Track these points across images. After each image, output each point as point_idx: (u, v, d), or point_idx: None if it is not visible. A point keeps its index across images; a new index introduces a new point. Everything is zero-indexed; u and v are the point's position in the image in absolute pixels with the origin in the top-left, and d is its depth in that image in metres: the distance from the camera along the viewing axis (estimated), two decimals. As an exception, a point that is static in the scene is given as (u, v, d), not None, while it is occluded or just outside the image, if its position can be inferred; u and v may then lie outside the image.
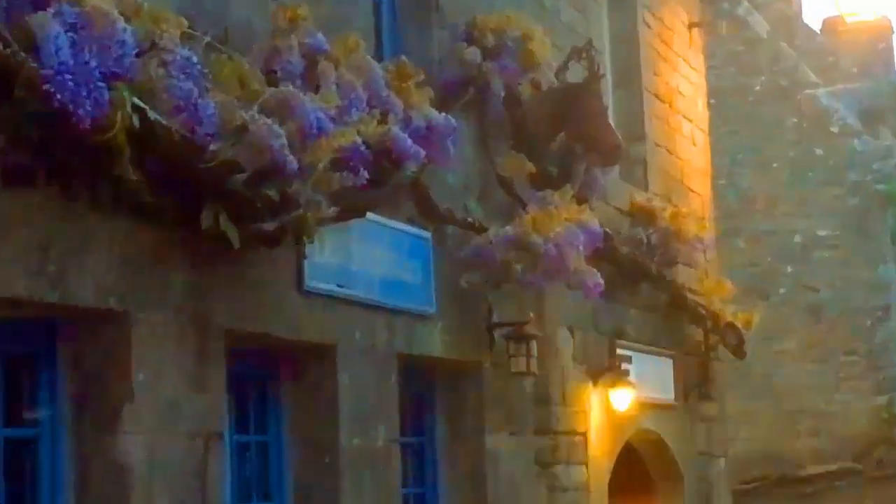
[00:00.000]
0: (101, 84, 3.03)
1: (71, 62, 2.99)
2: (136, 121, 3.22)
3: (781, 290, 13.34)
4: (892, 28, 15.29)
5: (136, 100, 3.23)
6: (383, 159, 3.81)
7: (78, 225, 3.38)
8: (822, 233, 13.66)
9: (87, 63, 3.04)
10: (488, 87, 5.43)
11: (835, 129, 13.98)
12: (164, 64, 3.37)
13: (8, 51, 2.93)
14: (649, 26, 7.98)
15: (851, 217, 13.60)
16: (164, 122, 3.32)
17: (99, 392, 3.55)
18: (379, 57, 4.54)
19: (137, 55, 3.30)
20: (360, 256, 4.66)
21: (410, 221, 5.01)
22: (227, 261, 3.80)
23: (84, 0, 3.15)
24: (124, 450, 3.46)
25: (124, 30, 3.15)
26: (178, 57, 3.40)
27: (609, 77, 7.23)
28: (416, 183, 4.51)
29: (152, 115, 3.30)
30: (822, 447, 13.10)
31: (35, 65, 2.94)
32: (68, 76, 2.95)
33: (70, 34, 3.04)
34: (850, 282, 13.40)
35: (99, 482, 3.49)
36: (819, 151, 13.89)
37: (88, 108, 3.00)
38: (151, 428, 3.54)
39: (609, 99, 7.04)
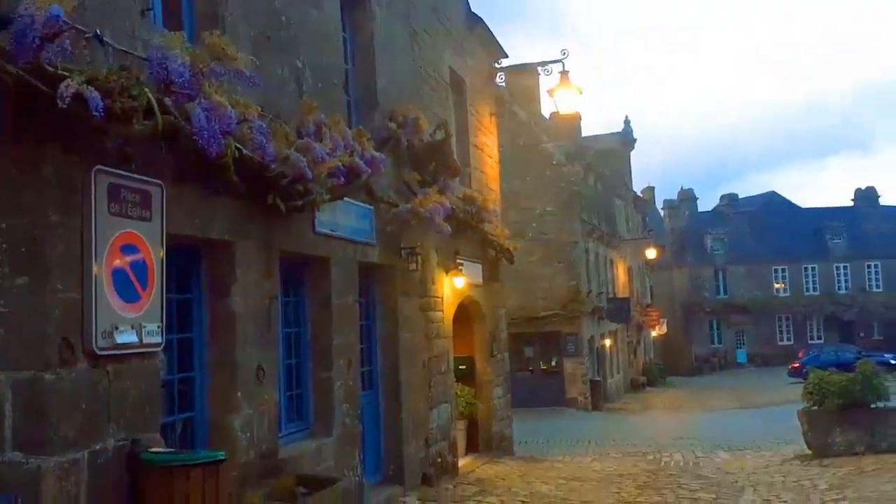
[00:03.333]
0: (220, 136, 5.53)
1: (206, 126, 5.44)
2: (236, 153, 5.86)
3: (529, 234, 27.22)
4: (580, 116, 32.01)
5: (236, 144, 5.86)
6: (351, 173, 7.03)
7: (212, 203, 6.03)
8: (548, 208, 29.55)
9: (214, 127, 5.49)
10: (399, 141, 9.36)
11: (555, 162, 30.32)
12: (250, 128, 5.99)
13: (177, 120, 5.33)
14: (472, 114, 12.96)
15: (560, 201, 29.75)
16: (250, 154, 6.01)
17: (220, 279, 6.31)
18: (349, 126, 7.91)
19: (237, 123, 5.78)
20: (341, 217, 8.13)
21: (364, 201, 8.63)
22: (280, 218, 6.71)
23: (212, 96, 5.59)
24: (233, 305, 6.33)
25: (231, 111, 5.61)
26: (256, 125, 6.03)
27: (454, 136, 12.18)
28: (366, 184, 7.98)
29: (245, 151, 5.99)
30: (548, 304, 28.98)
31: (189, 127, 5.30)
32: (205, 132, 5.41)
33: (206, 112, 5.44)
34: (558, 230, 29.42)
35: (222, 321, 6.30)
36: (547, 172, 30.09)
37: (214, 148, 5.48)
38: (246, 295, 6.40)
39: (454, 146, 12.03)
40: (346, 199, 7.95)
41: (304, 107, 7.04)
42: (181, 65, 5.15)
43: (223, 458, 5.05)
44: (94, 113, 4.39)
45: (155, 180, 5.39)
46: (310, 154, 6.49)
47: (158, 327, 5.39)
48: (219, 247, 6.34)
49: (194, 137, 5.27)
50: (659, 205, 64.73)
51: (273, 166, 6.35)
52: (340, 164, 6.70)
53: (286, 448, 7.14)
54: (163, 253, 5.43)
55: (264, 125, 6.30)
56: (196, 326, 6.34)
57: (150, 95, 4.94)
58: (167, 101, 5.14)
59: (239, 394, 6.31)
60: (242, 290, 6.45)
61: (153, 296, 5.36)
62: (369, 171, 7.26)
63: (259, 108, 6.37)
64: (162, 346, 5.45)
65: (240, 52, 5.74)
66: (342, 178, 6.76)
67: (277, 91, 7.17)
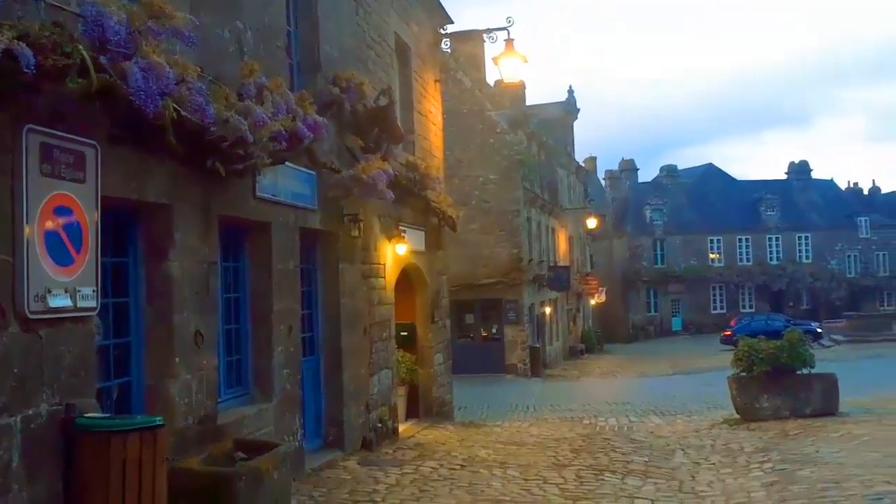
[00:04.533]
0: (157, 97, 5.31)
1: (143, 86, 5.21)
2: (174, 115, 5.66)
3: (472, 202, 28.08)
4: (524, 84, 33.10)
5: (174, 105, 5.67)
6: (293, 137, 6.91)
7: (150, 165, 5.91)
8: (491, 176, 29.98)
9: (151, 87, 5.27)
10: (342, 106, 9.22)
11: (499, 130, 30.46)
12: (189, 90, 5.80)
13: (113, 79, 5.08)
14: (416, 80, 12.83)
15: (503, 169, 30.11)
16: (189, 116, 5.80)
17: (158, 243, 6.19)
18: (292, 90, 7.79)
19: (176, 84, 5.65)
20: (282, 182, 8.05)
21: (306, 166, 8.54)
22: (220, 182, 6.61)
23: (150, 55, 5.40)
24: (171, 270, 6.22)
25: (169, 71, 5.47)
26: (195, 86, 5.86)
27: (398, 102, 12.19)
28: (309, 149, 7.89)
29: (183, 113, 5.78)
30: (489, 271, 29.46)
31: (125, 87, 5.08)
32: (141, 92, 5.16)
33: (142, 71, 5.22)
34: (500, 198, 29.73)
35: (159, 285, 6.21)
36: (491, 140, 30.33)
37: (151, 108, 5.26)
38: (184, 259, 6.31)
39: (398, 112, 12.03)
40: (287, 163, 7.87)
41: (245, 69, 6.92)
42: (117, 22, 5.03)
43: (160, 423, 5.01)
44: (26, 70, 4.27)
45: (89, 141, 5.26)
46: (251, 117, 6.39)
47: (93, 291, 5.30)
48: (156, 210, 6.24)
49: (131, 97, 5.15)
50: (601, 175, 65.50)
51: (213, 129, 6.22)
52: (282, 128, 6.63)
53: (225, 413, 7.12)
54: (97, 215, 5.33)
55: (204, 87, 6.18)
56: (132, 291, 6.25)
57: (84, 53, 4.78)
58: (102, 59, 4.98)
59: (177, 359, 6.26)
60: (180, 254, 6.38)
61: (87, 259, 5.26)
62: (311, 135, 7.19)
63: (199, 69, 6.22)
64: (97, 311, 5.38)
65: (178, 10, 5.60)
66: (284, 143, 6.69)
67: (218, 52, 7.02)
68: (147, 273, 6.27)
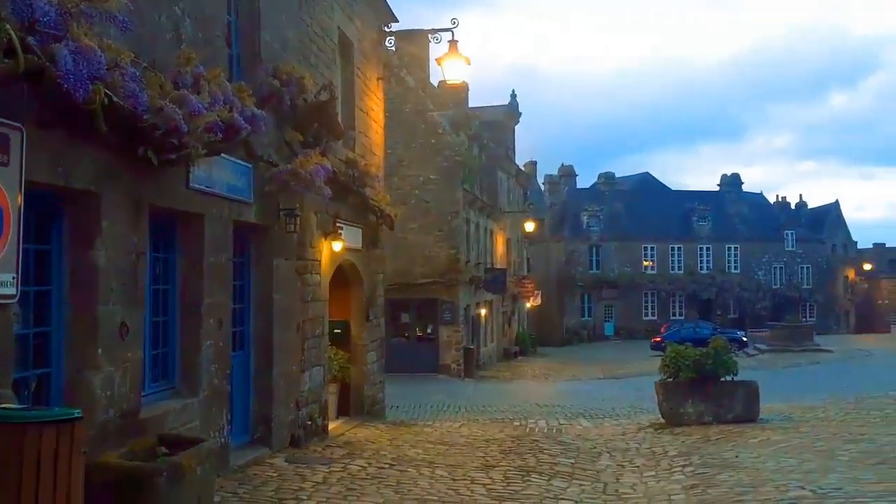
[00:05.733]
0: (87, 81, 5.16)
1: (73, 70, 5.06)
2: (106, 101, 5.52)
3: (412, 201, 28.67)
4: (467, 86, 32.65)
5: (106, 91, 5.51)
6: (230, 129, 6.79)
7: (78, 151, 5.73)
8: (432, 177, 30.25)
9: (82, 71, 5.12)
10: (282, 99, 9.11)
11: (440, 131, 30.63)
12: (122, 75, 5.67)
13: (42, 61, 4.92)
14: (359, 77, 12.82)
15: (443, 170, 30.36)
16: (122, 103, 5.65)
17: (84, 231, 6.01)
18: (230, 81, 7.65)
19: (108, 69, 5.50)
20: (217, 174, 7.92)
21: (242, 159, 8.42)
22: (152, 171, 6.46)
23: (81, 38, 5.27)
24: (96, 259, 6.06)
25: (101, 55, 5.32)
26: (129, 71, 5.73)
27: (340, 98, 12.10)
28: (246, 141, 7.78)
29: (115, 99, 5.62)
30: (426, 271, 29.71)
31: (54, 69, 4.93)
32: (71, 76, 5.02)
33: (73, 55, 5.07)
34: (440, 199, 30.04)
35: (84, 275, 6.03)
36: (432, 140, 30.50)
37: (81, 93, 5.12)
38: (111, 248, 6.14)
39: (339, 108, 11.96)
40: (223, 155, 7.74)
41: (181, 57, 6.78)
42: (47, 3, 4.91)
43: (79, 415, 4.87)
44: (-52, 48, 4.11)
45: (14, 123, 5.07)
46: (186, 107, 6.27)
47: (13, 278, 5.13)
48: (83, 197, 6.07)
49: (60, 81, 5.02)
50: (541, 179, 66.21)
51: (146, 117, 6.07)
52: (218, 119, 6.52)
53: (149, 407, 6.96)
54: (21, 200, 5.17)
55: (138, 73, 6.03)
56: (55, 279, 6.07)
57: (12, 33, 4.64)
58: (31, 40, 4.84)
59: (99, 350, 6.10)
60: (107, 243, 6.22)
61: (8, 245, 5.09)
62: (249, 128, 7.09)
63: (133, 55, 6.07)
64: (16, 298, 5.21)
65: (113, -6, 5.47)
66: (220, 134, 6.57)
67: (154, 39, 6.86)
68: (71, 262, 6.09)
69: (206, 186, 7.67)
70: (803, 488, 7.68)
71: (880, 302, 79.52)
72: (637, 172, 72.34)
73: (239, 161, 8.43)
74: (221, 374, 8.23)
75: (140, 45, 6.43)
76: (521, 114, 47.52)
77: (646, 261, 62.32)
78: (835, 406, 14.86)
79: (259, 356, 9.64)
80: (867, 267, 77.18)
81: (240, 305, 9.23)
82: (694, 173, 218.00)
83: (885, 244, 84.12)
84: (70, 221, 6.12)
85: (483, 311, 36.45)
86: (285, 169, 8.92)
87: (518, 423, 15.47)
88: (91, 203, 6.12)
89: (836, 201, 76.75)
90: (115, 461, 5.60)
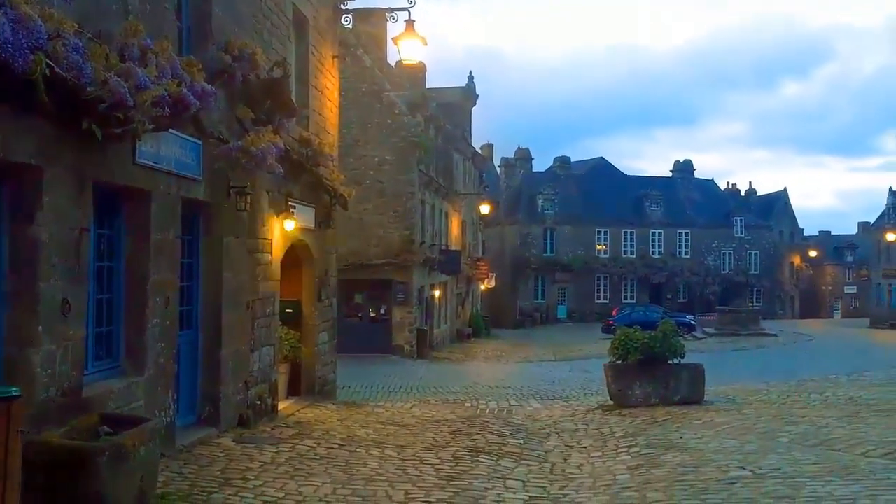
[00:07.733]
0: (27, 51, 5.07)
1: (11, 39, 4.96)
2: (47, 72, 5.33)
3: (367, 181, 28.43)
4: (424, 67, 32.01)
5: (47, 61, 5.33)
6: (178, 104, 6.65)
7: (18, 123, 5.57)
8: (387, 157, 30.13)
9: (21, 40, 5.03)
10: (234, 75, 8.98)
11: (396, 111, 30.32)
12: (64, 46, 5.52)
13: None
14: (313, 54, 12.67)
15: (399, 151, 30.22)
16: (64, 74, 5.50)
17: (24, 206, 5.85)
18: (180, 54, 7.52)
19: (49, 38, 5.36)
20: (165, 149, 7.76)
21: (192, 135, 8.26)
22: (96, 145, 6.31)
23: (20, 6, 5.16)
24: (38, 234, 5.91)
25: (41, 24, 5.21)
26: (72, 42, 5.58)
27: (293, 76, 12.01)
28: (195, 116, 7.62)
29: (57, 70, 5.44)
30: (380, 252, 29.66)
31: None
32: (9, 45, 4.93)
33: (11, 23, 4.97)
34: (395, 180, 30.08)
35: (24, 250, 5.87)
36: (389, 121, 30.21)
37: (20, 63, 5.04)
38: (52, 224, 5.99)
39: (293, 86, 11.86)
40: (172, 130, 7.57)
41: (128, 28, 6.58)
42: (-16, -32, 4.69)
43: (17, 394, 4.77)
44: None
45: (-51, 93, 4.91)
46: (132, 80, 6.11)
47: (-52, 253, 4.97)
48: (24, 171, 5.89)
49: (-4, 51, 4.89)
50: (497, 162, 66.35)
51: (90, 89, 5.91)
52: (166, 93, 6.36)
53: (92, 386, 6.84)
54: (-44, 173, 4.98)
55: (82, 44, 5.88)
56: (-6, 255, 5.91)
57: (-55, -1, 4.49)
58: (-34, 7, 4.69)
59: (40, 328, 5.96)
60: (49, 218, 6.05)
61: (-57, 219, 4.92)
62: (198, 103, 6.93)
63: (76, 25, 5.93)
64: (-48, 274, 5.03)
65: (56, -39, 5.31)
66: (167, 109, 6.42)
67: (99, 9, 6.67)
68: (11, 237, 5.92)
69: (154, 162, 7.51)
70: (744, 468, 7.88)
71: (824, 288, 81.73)
72: (593, 157, 72.95)
73: (188, 137, 8.27)
74: (168, 354, 8.12)
75: (84, 15, 6.27)
76: (478, 96, 47.50)
77: (599, 245, 63.00)
78: (777, 389, 15.25)
79: (207, 335, 9.53)
80: (813, 254, 79.25)
81: (188, 284, 9.10)
82: (649, 158, 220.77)
83: (830, 232, 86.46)
84: (9, 195, 5.95)
85: (437, 293, 36.52)
86: (236, 146, 8.78)
87: (469, 405, 15.57)
88: (32, 177, 5.95)
89: (785, 189, 78.64)
90: (56, 440, 5.49)
